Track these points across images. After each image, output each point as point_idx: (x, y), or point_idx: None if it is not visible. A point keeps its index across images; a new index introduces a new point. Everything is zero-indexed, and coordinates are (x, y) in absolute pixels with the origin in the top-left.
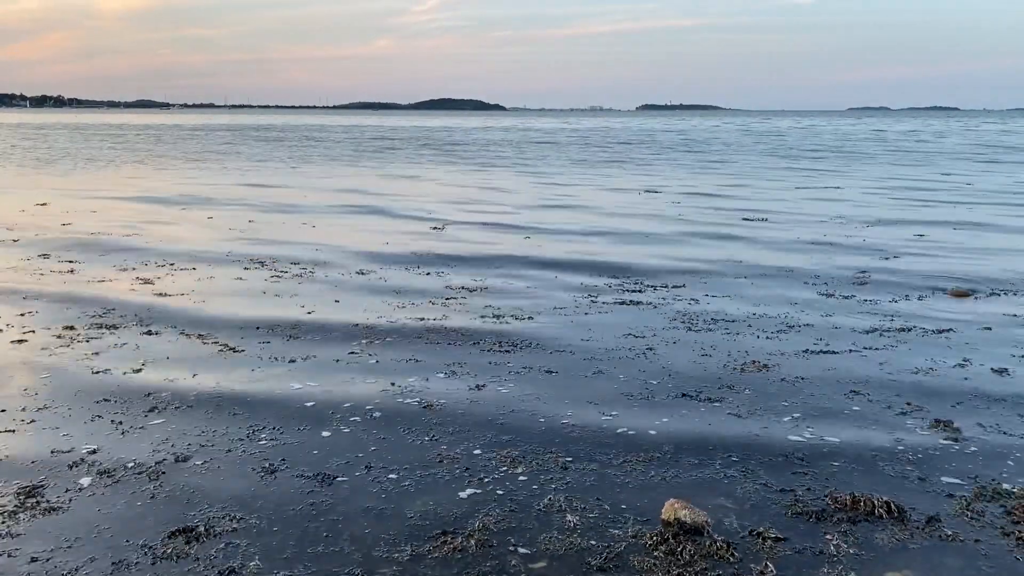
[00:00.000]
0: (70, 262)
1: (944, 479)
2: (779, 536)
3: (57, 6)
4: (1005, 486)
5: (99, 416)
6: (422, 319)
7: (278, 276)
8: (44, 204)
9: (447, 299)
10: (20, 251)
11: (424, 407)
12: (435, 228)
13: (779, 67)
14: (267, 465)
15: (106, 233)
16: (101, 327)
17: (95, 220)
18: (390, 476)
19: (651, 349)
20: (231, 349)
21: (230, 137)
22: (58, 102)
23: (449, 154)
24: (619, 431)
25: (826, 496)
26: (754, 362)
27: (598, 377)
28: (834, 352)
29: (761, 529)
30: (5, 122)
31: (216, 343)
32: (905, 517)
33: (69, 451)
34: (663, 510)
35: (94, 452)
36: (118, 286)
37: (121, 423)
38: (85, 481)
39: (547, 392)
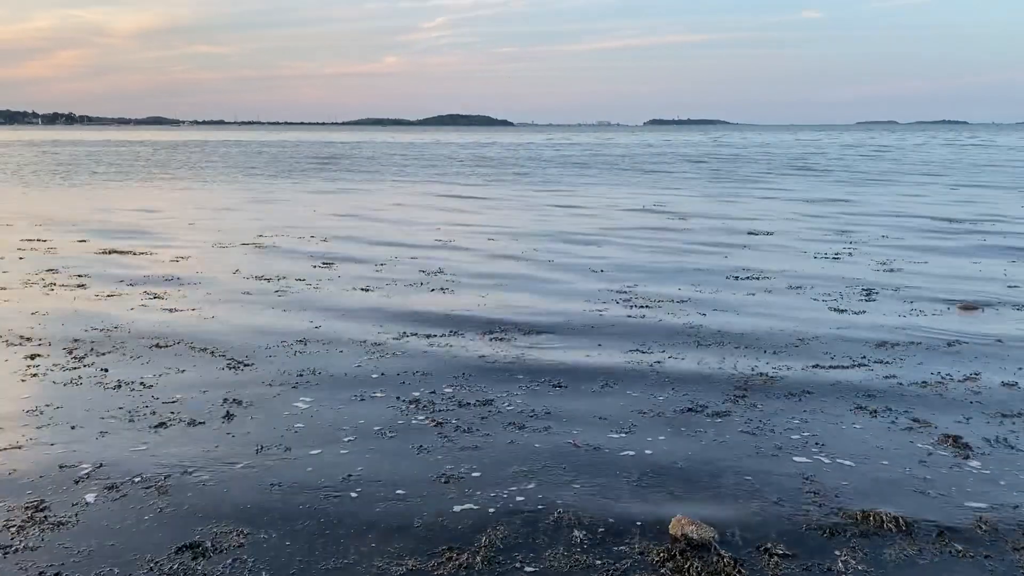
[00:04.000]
0: (79, 276)
1: (953, 494)
2: (787, 552)
3: (69, 25)
4: (1015, 500)
5: (106, 432)
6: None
7: None
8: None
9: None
10: (26, 267)
11: (434, 424)
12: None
13: (787, 81)
14: (274, 481)
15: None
16: (112, 342)
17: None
18: (397, 492)
19: (658, 363)
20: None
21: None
22: (69, 119)
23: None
24: (627, 447)
25: (835, 512)
26: (761, 375)
27: (606, 392)
28: (842, 367)
29: (769, 545)
30: (18, 139)
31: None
32: (914, 532)
33: (76, 465)
34: (670, 526)
35: (101, 466)
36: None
37: (129, 438)
38: (92, 496)
39: (556, 407)
